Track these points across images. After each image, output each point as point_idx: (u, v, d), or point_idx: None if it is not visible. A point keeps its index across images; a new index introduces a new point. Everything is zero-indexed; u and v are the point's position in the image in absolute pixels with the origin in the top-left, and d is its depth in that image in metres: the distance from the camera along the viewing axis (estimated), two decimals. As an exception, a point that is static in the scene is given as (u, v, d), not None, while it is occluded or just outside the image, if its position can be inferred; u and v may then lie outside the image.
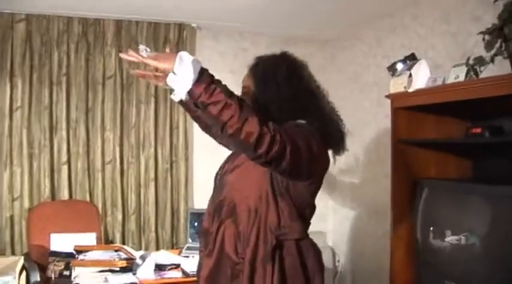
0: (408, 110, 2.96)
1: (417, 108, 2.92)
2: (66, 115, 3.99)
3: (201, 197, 4.31)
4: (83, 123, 4.05)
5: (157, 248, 4.08)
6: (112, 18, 4.09)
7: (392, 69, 3.30)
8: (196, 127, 4.45)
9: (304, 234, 1.87)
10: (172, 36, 4.28)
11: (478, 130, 2.64)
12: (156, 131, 4.26)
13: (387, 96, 3.07)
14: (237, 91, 1.75)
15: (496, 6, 2.47)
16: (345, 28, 4.44)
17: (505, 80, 2.27)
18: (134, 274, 2.87)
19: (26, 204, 3.86)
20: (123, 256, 3.02)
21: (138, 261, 2.94)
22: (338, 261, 4.67)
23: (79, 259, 2.99)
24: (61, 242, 3.39)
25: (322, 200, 4.76)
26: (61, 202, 3.92)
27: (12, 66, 3.85)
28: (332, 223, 4.84)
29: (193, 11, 4.01)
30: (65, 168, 3.98)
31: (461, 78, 2.60)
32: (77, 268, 2.90)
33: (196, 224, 3.93)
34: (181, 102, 1.59)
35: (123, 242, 4.08)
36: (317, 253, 1.91)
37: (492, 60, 2.47)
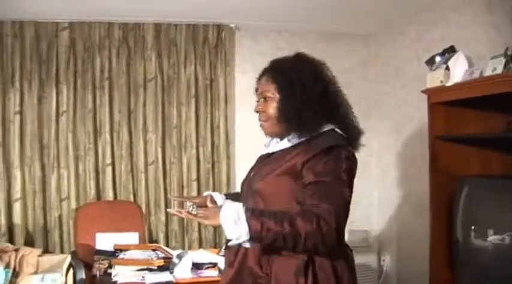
0: (446, 105, 2.87)
1: (455, 103, 2.83)
2: (110, 118, 4.13)
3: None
4: (125, 126, 4.17)
5: (200, 248, 4.13)
6: (151, 22, 4.18)
7: (431, 62, 3.22)
8: (237, 127, 4.56)
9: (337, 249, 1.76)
10: (211, 37, 4.33)
11: (520, 124, 2.53)
12: (198, 131, 4.32)
13: (423, 92, 2.99)
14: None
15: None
16: (386, 22, 4.35)
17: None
18: (171, 272, 2.91)
19: (73, 205, 4.02)
20: (161, 255, 3.08)
21: (175, 260, 2.98)
22: (383, 260, 4.58)
23: (119, 257, 3.07)
24: (106, 241, 3.48)
25: (367, 199, 4.75)
26: (106, 203, 4.06)
27: (57, 72, 4.02)
28: (377, 221, 4.75)
29: (231, 12, 4.04)
30: (109, 169, 4.12)
31: (499, 70, 2.49)
32: (116, 266, 2.97)
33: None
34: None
35: (167, 242, 4.17)
36: (352, 269, 1.81)
37: (532, 51, 2.36)
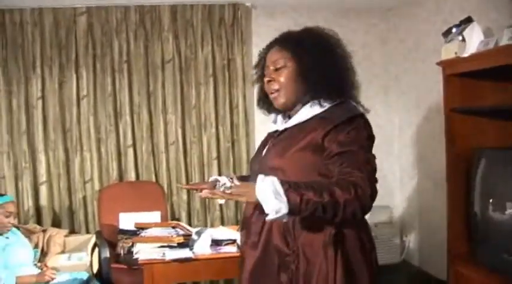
0: (461, 77, 2.83)
1: (470, 74, 2.79)
2: (129, 100, 4.20)
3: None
4: (145, 107, 4.23)
5: (223, 226, 4.20)
6: (167, 4, 4.20)
7: (447, 34, 3.16)
8: (255, 105, 4.55)
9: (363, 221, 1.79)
10: (227, 17, 4.33)
11: (536, 94, 2.48)
12: (217, 111, 4.36)
13: (438, 64, 2.94)
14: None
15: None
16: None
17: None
18: (191, 249, 2.97)
19: (97, 186, 4.13)
20: (181, 232, 3.14)
21: (194, 237, 3.04)
22: (406, 236, 4.58)
23: (140, 235, 3.15)
24: (129, 221, 3.56)
25: (389, 174, 4.72)
26: (128, 183, 4.15)
27: (76, 57, 4.10)
28: (399, 197, 4.74)
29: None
30: (130, 151, 4.20)
31: (515, 39, 2.44)
32: (138, 244, 3.05)
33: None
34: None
35: (189, 220, 4.26)
36: (372, 238, 1.82)
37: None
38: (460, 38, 2.88)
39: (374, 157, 1.68)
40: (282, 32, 1.87)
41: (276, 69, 1.78)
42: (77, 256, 3.61)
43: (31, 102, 4.06)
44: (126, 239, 3.34)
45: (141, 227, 3.24)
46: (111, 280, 3.30)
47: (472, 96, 2.83)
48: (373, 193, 1.58)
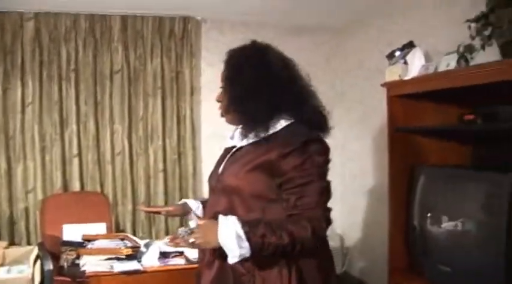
0: (404, 98, 2.99)
1: (413, 96, 2.95)
2: (76, 109, 4.13)
3: (209, 187, 4.42)
4: (92, 117, 4.18)
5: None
6: (118, 14, 4.19)
7: (391, 57, 3.33)
8: (203, 118, 4.62)
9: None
10: (178, 30, 4.36)
11: (471, 116, 2.65)
12: (164, 123, 4.36)
13: (383, 85, 3.10)
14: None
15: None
16: (351, 16, 4.45)
17: (492, 68, 2.29)
18: (139, 261, 2.97)
19: (40, 196, 4.02)
20: (129, 244, 3.12)
21: (143, 249, 3.04)
22: (346, 249, 4.73)
23: (87, 247, 3.10)
24: (73, 232, 3.50)
25: (331, 188, 4.85)
26: (73, 194, 4.08)
27: (22, 63, 4.00)
28: (340, 210, 4.88)
29: (198, 4, 4.07)
30: (76, 160, 4.13)
31: (452, 65, 2.62)
32: (84, 256, 3.01)
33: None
34: None
35: (134, 232, 4.22)
36: (330, 256, 1.86)
37: (483, 48, 2.48)
38: (403, 61, 3.06)
39: (329, 183, 1.70)
40: (228, 50, 1.83)
41: (223, 90, 1.81)
42: (17, 269, 3.49)
43: (-28, 108, 3.92)
44: (70, 251, 3.27)
45: (88, 239, 3.20)
46: (54, 293, 3.23)
47: (414, 117, 2.98)
48: (328, 225, 1.65)
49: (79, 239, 3.28)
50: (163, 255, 3.06)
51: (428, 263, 2.85)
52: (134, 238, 3.27)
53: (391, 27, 4.01)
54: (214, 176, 1.88)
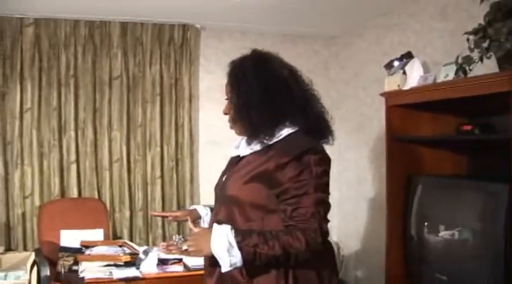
0: (402, 108, 3.03)
1: (411, 106, 2.99)
2: (75, 115, 4.14)
3: (206, 193, 4.42)
4: (90, 123, 4.19)
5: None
6: (117, 21, 4.21)
7: (389, 67, 3.37)
8: (201, 125, 4.64)
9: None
10: (177, 37, 4.39)
11: (469, 127, 2.69)
12: (162, 130, 4.38)
13: (382, 94, 3.14)
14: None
15: (486, 6, 2.51)
16: (348, 25, 4.50)
17: (490, 79, 2.33)
18: (138, 268, 2.97)
19: (37, 202, 4.02)
20: (127, 251, 3.13)
21: (142, 256, 3.05)
22: (342, 256, 4.75)
23: (85, 254, 3.11)
24: (70, 238, 3.51)
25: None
26: (70, 200, 4.08)
27: (21, 69, 4.01)
28: (337, 218, 4.91)
29: (197, 12, 4.10)
30: (73, 166, 4.13)
31: (451, 76, 2.66)
32: (83, 262, 3.01)
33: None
34: None
35: (131, 238, 4.22)
36: (332, 264, 1.85)
37: (481, 59, 2.51)
38: (402, 71, 3.10)
39: (327, 192, 1.69)
40: (232, 60, 1.83)
41: (229, 101, 1.82)
42: (14, 275, 3.49)
43: (-30, 112, 3.92)
44: (67, 257, 3.28)
45: (86, 246, 3.20)
46: (51, 299, 3.22)
47: (412, 126, 3.02)
48: (324, 239, 1.62)
49: (76, 245, 3.30)
50: (162, 262, 3.08)
51: (425, 272, 2.88)
52: (133, 244, 3.28)
53: (388, 37, 4.06)
54: (219, 185, 1.90)
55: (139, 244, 3.90)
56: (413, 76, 2.99)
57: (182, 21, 4.37)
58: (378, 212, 4.15)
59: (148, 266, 2.99)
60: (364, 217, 4.47)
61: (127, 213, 4.25)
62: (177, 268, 3.05)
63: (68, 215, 3.79)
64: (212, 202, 2.02)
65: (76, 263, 3.07)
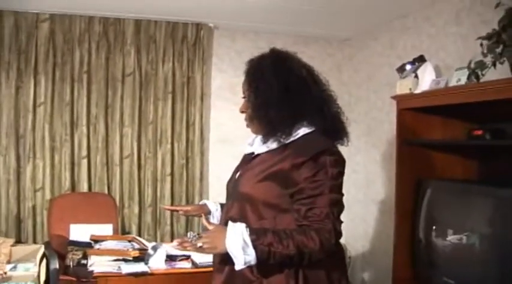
0: (413, 111, 3.02)
1: (422, 110, 2.98)
2: (87, 111, 4.18)
3: (216, 192, 4.45)
4: (102, 119, 4.22)
5: (172, 241, 4.22)
6: (131, 18, 4.24)
7: (401, 70, 3.37)
8: (212, 124, 4.66)
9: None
10: (190, 35, 4.41)
11: (480, 132, 2.69)
12: (173, 127, 4.40)
13: (393, 97, 3.14)
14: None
15: (499, 11, 2.50)
16: (362, 28, 4.50)
17: (502, 85, 2.33)
18: (146, 263, 3.00)
19: (48, 195, 4.06)
20: (136, 246, 3.16)
21: (150, 251, 3.07)
22: (349, 258, 4.75)
23: (95, 248, 3.14)
24: (79, 232, 3.54)
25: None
26: (80, 194, 4.11)
27: (36, 63, 4.04)
28: (345, 219, 4.89)
29: (211, 11, 4.13)
30: (84, 161, 4.17)
31: (463, 81, 2.66)
32: (92, 256, 3.04)
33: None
34: None
35: (139, 234, 4.24)
36: (342, 265, 1.86)
37: (494, 65, 2.51)
38: (414, 75, 3.10)
39: (342, 195, 1.70)
40: (249, 59, 1.86)
41: (246, 99, 1.83)
42: (24, 266, 3.52)
43: (-16, 105, 3.96)
44: (76, 250, 3.31)
45: (95, 240, 3.23)
46: (59, 292, 3.26)
47: (423, 130, 3.02)
48: (337, 240, 1.64)
49: (85, 239, 3.32)
50: (170, 258, 3.10)
51: (433, 276, 2.88)
52: (142, 240, 3.31)
53: (403, 40, 4.05)
54: (231, 182, 1.91)
55: (148, 241, 3.90)
56: (425, 80, 2.99)
57: (196, 20, 4.39)
58: (386, 215, 4.15)
59: (157, 262, 3.01)
60: (372, 219, 4.47)
61: (136, 209, 4.28)
62: (185, 265, 3.07)
63: (78, 210, 3.82)
64: (221, 200, 2.06)
65: (85, 257, 3.10)
